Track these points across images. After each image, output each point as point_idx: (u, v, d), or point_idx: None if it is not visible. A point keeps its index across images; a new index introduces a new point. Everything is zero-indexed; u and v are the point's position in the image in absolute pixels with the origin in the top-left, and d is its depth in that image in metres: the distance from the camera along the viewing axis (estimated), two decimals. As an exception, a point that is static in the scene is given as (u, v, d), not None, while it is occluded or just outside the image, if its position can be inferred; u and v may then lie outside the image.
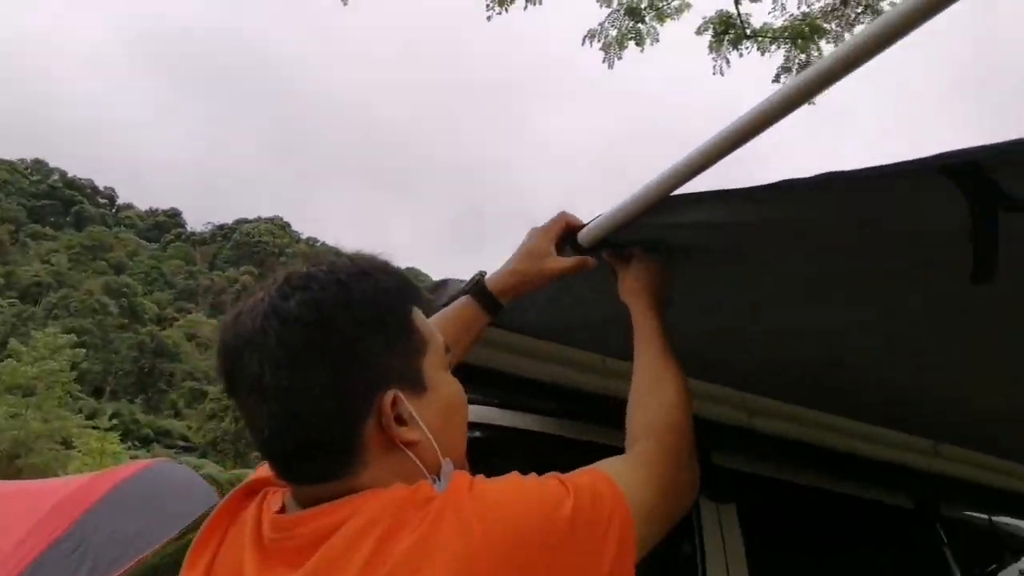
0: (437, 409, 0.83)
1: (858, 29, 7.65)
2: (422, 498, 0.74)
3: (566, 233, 1.21)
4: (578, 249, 1.19)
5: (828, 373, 1.58)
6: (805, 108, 0.93)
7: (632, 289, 1.20)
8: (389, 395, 0.78)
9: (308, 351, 0.76)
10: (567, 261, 1.20)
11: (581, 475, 0.84)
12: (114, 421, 22.07)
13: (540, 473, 0.82)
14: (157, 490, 5.23)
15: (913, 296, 1.19)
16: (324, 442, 0.77)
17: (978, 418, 1.70)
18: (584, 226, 1.18)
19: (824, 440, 1.80)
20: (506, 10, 7.40)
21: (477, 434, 1.07)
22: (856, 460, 1.82)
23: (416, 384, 0.82)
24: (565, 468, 0.85)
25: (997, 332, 1.27)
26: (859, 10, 7.70)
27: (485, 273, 1.26)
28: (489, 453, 1.12)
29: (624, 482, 0.85)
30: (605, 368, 1.68)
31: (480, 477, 0.79)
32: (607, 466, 0.89)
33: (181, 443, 46.95)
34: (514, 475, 0.81)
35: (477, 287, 1.25)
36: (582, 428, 1.69)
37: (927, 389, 1.59)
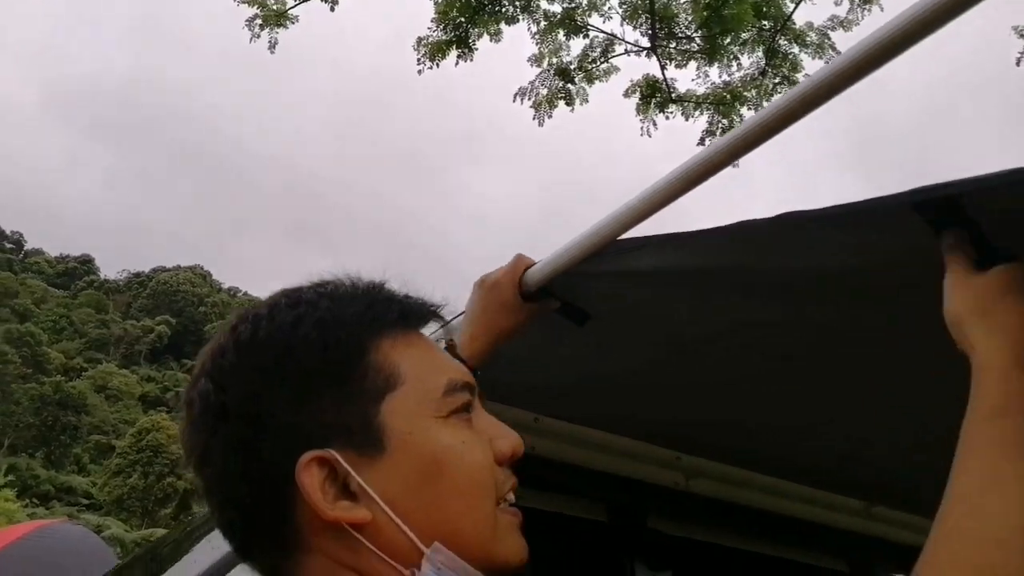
0: (406, 473, 0.61)
1: (775, 98, 8.06)
2: None
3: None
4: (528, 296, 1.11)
5: (764, 433, 1.55)
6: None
7: (982, 308, 0.68)
8: (306, 459, 0.60)
9: (206, 412, 0.64)
10: (535, 307, 1.10)
11: None
12: (10, 477, 20.64)
13: None
14: (48, 553, 4.80)
15: (862, 352, 1.17)
16: (247, 524, 0.64)
17: (910, 479, 1.69)
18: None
19: (761, 503, 1.75)
20: (437, 65, 7.48)
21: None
22: (793, 523, 1.78)
23: (365, 442, 0.61)
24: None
25: (933, 391, 1.26)
26: (776, 80, 8.09)
27: (453, 341, 1.07)
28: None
29: None
30: (538, 427, 1.60)
31: None
32: None
33: (84, 500, 44.32)
34: None
35: None
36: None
37: (861, 449, 1.57)
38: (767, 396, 1.38)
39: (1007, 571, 0.57)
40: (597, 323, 1.19)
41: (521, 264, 1.10)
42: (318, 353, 0.63)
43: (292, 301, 0.67)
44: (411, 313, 0.69)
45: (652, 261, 1.00)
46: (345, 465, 0.60)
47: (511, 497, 0.68)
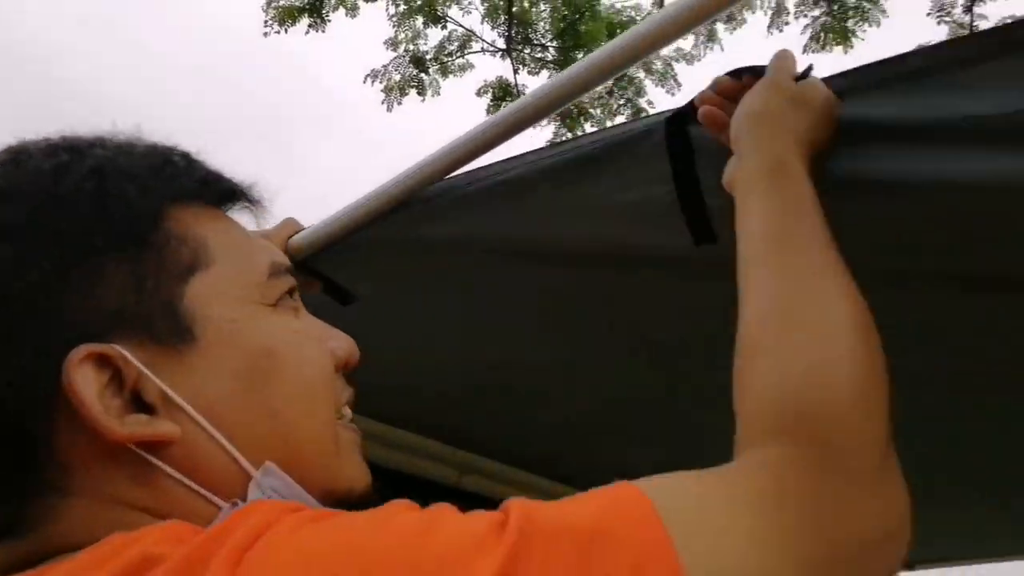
0: (227, 373, 0.46)
1: (619, 118, 8.41)
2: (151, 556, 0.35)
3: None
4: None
5: (534, 431, 1.54)
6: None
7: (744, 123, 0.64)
8: (79, 355, 0.41)
9: None
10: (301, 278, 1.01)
11: (580, 502, 0.39)
12: None
13: None
14: None
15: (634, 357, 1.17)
16: None
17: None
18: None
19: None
20: (286, 30, 7.16)
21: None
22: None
23: (167, 330, 0.44)
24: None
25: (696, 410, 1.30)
26: (621, 102, 8.44)
27: None
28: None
29: (689, 532, 0.38)
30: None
31: (308, 515, 0.38)
32: (655, 486, 0.41)
33: None
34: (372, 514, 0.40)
35: None
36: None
37: (625, 460, 1.61)
38: (537, 391, 1.36)
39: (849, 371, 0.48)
40: (369, 301, 1.12)
41: (289, 228, 0.98)
42: (94, 209, 0.44)
43: (48, 149, 0.47)
44: (216, 185, 0.52)
45: (431, 228, 0.94)
46: (136, 363, 0.43)
47: (347, 413, 0.55)
